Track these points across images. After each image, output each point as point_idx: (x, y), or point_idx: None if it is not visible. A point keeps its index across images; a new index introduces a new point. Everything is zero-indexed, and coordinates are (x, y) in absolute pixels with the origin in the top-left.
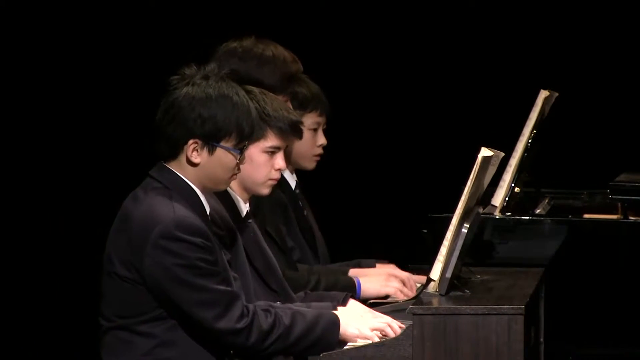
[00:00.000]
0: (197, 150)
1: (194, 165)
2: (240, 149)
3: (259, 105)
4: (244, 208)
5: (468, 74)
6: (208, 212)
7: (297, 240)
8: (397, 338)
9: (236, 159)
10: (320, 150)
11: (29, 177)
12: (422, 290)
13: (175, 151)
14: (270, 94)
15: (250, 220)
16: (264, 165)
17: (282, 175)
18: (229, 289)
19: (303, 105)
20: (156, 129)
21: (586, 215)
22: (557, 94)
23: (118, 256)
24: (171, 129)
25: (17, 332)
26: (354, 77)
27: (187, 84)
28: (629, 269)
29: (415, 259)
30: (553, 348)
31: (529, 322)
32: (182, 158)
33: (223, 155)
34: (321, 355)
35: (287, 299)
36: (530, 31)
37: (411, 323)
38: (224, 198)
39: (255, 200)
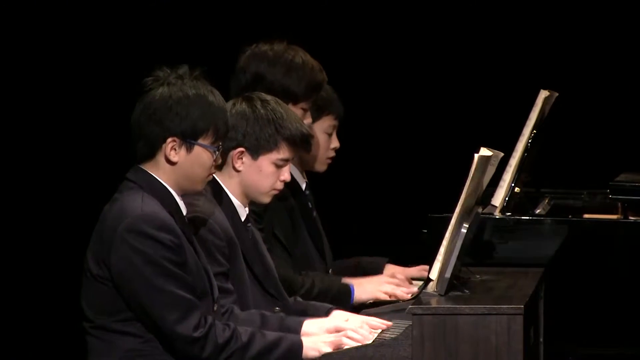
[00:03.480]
0: (175, 149)
1: (172, 164)
2: (216, 147)
3: (275, 115)
4: (244, 213)
5: (468, 74)
6: (185, 213)
7: (305, 244)
8: (396, 338)
9: (213, 157)
10: (333, 154)
11: (17, 179)
12: (422, 290)
13: (153, 151)
14: (284, 104)
15: (249, 225)
16: (271, 175)
17: (292, 177)
18: (189, 296)
19: (321, 108)
20: (133, 129)
21: (586, 215)
22: (557, 94)
23: (92, 255)
24: (149, 128)
25: (6, 335)
26: (354, 78)
27: (162, 85)
28: (628, 269)
29: (416, 259)
30: (553, 348)
31: (528, 322)
32: (160, 158)
33: (201, 153)
34: (321, 355)
35: (285, 304)
36: (530, 31)
37: (410, 323)
38: (224, 204)
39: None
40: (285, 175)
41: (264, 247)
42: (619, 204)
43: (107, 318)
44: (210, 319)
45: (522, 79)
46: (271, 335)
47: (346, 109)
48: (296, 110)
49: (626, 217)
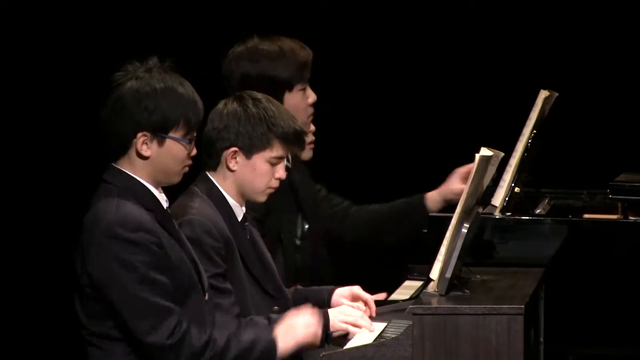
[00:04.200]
0: (146, 143)
1: (144, 158)
2: (189, 139)
3: (267, 114)
4: (240, 212)
5: (468, 75)
6: (166, 206)
7: None
8: (397, 338)
9: (186, 149)
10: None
11: (16, 179)
12: (422, 290)
13: (125, 146)
14: (276, 101)
15: (247, 224)
16: (266, 174)
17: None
18: (163, 303)
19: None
20: (103, 126)
21: (586, 215)
22: (557, 94)
23: (77, 263)
24: (119, 124)
25: (7, 342)
26: (354, 76)
27: (131, 79)
28: (629, 269)
29: (415, 259)
30: (553, 348)
31: (528, 322)
32: (132, 153)
33: (173, 146)
34: (321, 355)
35: (284, 302)
36: (530, 31)
37: (410, 323)
38: (220, 204)
39: (266, 206)
40: (280, 172)
41: (263, 246)
42: (619, 204)
43: (102, 325)
44: (185, 324)
45: (522, 79)
46: (246, 337)
47: (347, 108)
48: (295, 95)
49: (626, 217)
